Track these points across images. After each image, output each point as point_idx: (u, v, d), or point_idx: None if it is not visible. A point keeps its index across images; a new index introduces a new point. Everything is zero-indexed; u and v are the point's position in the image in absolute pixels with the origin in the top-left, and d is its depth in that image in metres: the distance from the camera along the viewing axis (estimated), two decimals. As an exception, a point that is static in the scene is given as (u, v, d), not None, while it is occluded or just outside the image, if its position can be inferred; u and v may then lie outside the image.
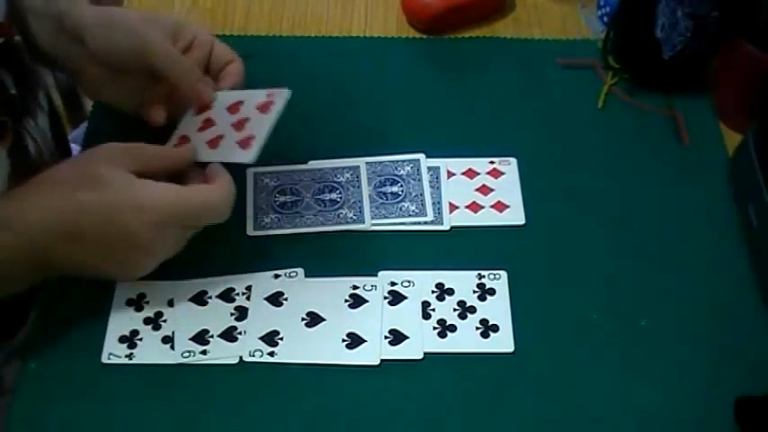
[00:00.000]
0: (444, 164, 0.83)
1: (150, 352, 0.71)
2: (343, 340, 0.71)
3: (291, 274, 0.75)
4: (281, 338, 0.71)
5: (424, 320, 0.73)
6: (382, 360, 0.71)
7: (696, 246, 0.79)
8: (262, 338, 0.71)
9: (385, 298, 0.74)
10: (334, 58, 0.93)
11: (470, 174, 0.83)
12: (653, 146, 0.86)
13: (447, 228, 0.79)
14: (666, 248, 0.78)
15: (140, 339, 0.71)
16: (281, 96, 0.75)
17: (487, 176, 0.82)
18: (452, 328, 0.73)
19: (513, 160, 0.84)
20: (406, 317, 0.73)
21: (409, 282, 0.75)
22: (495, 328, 0.73)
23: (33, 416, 0.68)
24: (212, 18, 0.96)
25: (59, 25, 0.76)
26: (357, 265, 0.76)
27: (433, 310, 0.74)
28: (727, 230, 0.80)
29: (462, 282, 0.75)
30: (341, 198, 0.80)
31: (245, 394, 0.69)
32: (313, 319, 0.73)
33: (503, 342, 0.72)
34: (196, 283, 0.74)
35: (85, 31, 0.75)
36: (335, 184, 0.81)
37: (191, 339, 0.71)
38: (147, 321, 0.72)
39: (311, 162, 0.82)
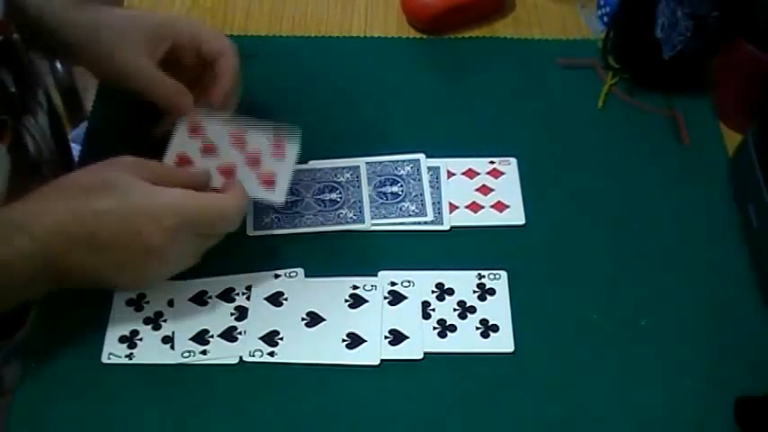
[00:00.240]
0: (444, 164, 0.83)
1: (150, 352, 0.71)
2: (343, 340, 0.71)
3: (291, 274, 0.75)
4: (281, 338, 0.71)
5: (424, 320, 0.73)
6: (382, 360, 0.71)
7: (696, 246, 0.79)
8: (262, 338, 0.71)
9: (385, 298, 0.74)
10: (334, 58, 0.93)
11: (470, 174, 0.83)
12: (653, 146, 0.86)
13: (447, 228, 0.79)
14: (666, 248, 0.78)
15: (140, 339, 0.71)
16: (293, 146, 0.76)
17: (487, 176, 0.82)
18: (452, 328, 0.73)
19: (513, 160, 0.84)
20: (406, 317, 0.73)
21: (409, 282, 0.75)
22: (495, 328, 0.73)
23: (33, 416, 0.68)
24: (212, 18, 0.96)
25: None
26: (357, 265, 0.76)
27: (433, 310, 0.74)
28: (727, 230, 0.80)
29: (462, 282, 0.75)
30: (341, 198, 0.80)
31: (245, 394, 0.69)
32: (313, 319, 0.73)
33: (503, 342, 0.72)
34: (196, 283, 0.74)
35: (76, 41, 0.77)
36: (335, 184, 0.81)
37: (191, 339, 0.71)
38: (146, 321, 0.72)
39: (311, 162, 0.82)
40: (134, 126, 0.81)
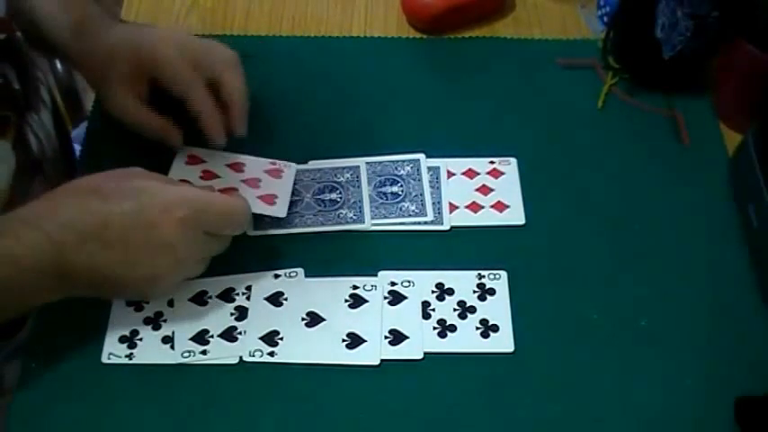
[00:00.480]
0: (444, 164, 0.83)
1: (150, 352, 0.71)
2: (343, 340, 0.71)
3: (291, 274, 0.75)
4: (281, 338, 0.71)
5: (424, 320, 0.73)
6: (382, 360, 0.71)
7: (696, 246, 0.79)
8: (262, 338, 0.71)
9: (385, 298, 0.74)
10: (334, 58, 0.93)
11: (470, 174, 0.83)
12: (653, 146, 0.86)
13: (447, 228, 0.79)
14: (666, 248, 0.78)
15: (140, 339, 0.71)
16: (291, 167, 0.80)
17: (487, 176, 0.82)
18: (452, 328, 0.73)
19: (513, 160, 0.84)
20: (406, 317, 0.73)
21: (409, 282, 0.75)
22: (495, 328, 0.73)
23: (33, 416, 0.68)
24: (212, 18, 0.96)
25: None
26: (357, 265, 0.76)
27: (433, 310, 0.74)
28: (727, 230, 0.80)
29: (462, 282, 0.75)
30: (341, 198, 0.80)
31: (245, 394, 0.69)
32: (313, 319, 0.73)
33: (503, 342, 0.72)
34: (196, 283, 0.74)
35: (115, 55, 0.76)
36: (335, 184, 0.81)
37: (191, 339, 0.71)
38: (146, 321, 0.72)
39: (311, 162, 0.82)
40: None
